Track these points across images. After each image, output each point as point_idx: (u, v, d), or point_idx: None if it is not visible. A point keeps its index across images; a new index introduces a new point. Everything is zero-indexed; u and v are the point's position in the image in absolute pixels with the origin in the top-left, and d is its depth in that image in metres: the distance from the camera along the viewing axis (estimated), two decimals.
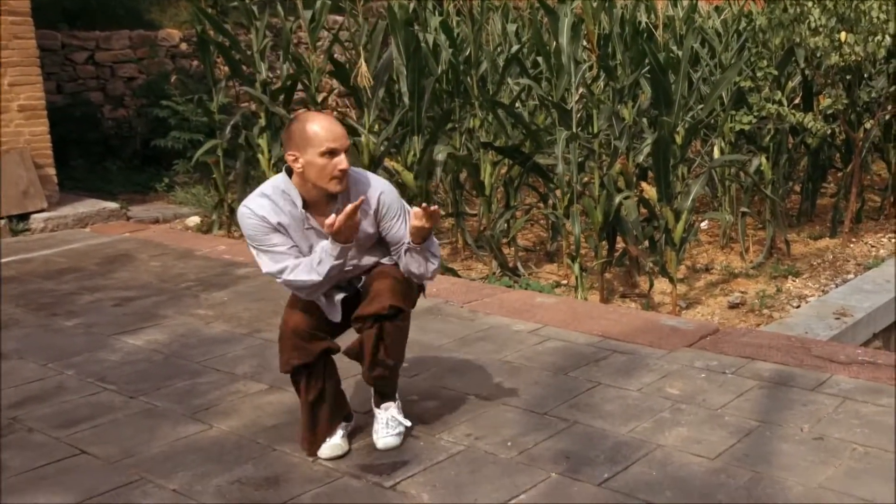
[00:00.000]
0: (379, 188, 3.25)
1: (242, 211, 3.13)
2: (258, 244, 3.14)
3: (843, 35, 6.80)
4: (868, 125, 7.50)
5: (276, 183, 3.17)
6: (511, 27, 8.13)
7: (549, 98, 6.20)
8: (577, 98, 6.09)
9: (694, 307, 6.09)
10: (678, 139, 6.15)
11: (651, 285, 6.20)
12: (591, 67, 6.38)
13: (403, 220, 3.26)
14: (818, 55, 7.16)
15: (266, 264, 3.17)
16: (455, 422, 3.58)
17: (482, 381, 4.00)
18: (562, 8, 6.07)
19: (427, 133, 6.79)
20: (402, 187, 6.85)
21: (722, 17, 8.35)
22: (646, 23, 7.16)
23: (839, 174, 8.56)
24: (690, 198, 5.99)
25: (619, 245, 6.38)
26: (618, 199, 5.91)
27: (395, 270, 3.27)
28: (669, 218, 5.90)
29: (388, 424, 3.37)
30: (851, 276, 6.69)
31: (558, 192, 6.26)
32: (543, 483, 3.04)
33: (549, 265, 6.85)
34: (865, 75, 7.71)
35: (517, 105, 7.45)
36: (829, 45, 6.88)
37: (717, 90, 6.45)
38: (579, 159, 6.06)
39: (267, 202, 3.12)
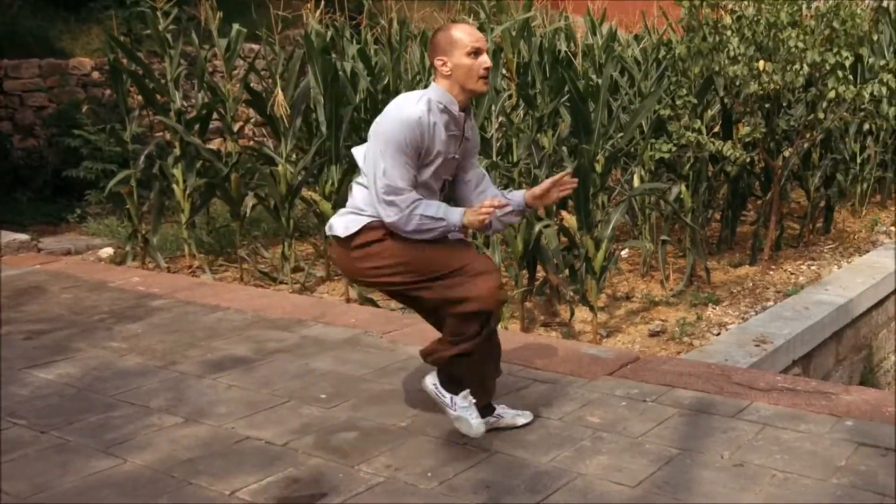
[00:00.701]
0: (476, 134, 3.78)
1: (413, 111, 3.32)
2: (397, 150, 3.33)
3: (761, 64, 6.92)
4: (787, 153, 7.61)
5: (429, 92, 3.43)
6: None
7: None
8: (496, 127, 6.18)
9: (615, 335, 6.15)
10: (598, 168, 6.22)
11: (572, 314, 6.24)
12: (510, 96, 6.46)
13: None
14: (737, 84, 7.28)
15: (396, 181, 3.35)
16: (374, 452, 3.60)
17: (402, 412, 4.03)
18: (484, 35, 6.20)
19: (345, 162, 6.80)
20: (320, 217, 6.87)
21: (641, 46, 8.51)
22: (565, 51, 7.29)
23: (759, 202, 8.66)
24: (610, 226, 6.05)
25: (540, 274, 6.43)
26: (538, 227, 5.97)
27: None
28: (590, 246, 5.96)
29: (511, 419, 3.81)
30: (771, 303, 6.81)
31: None
32: None
33: None
34: (784, 104, 7.84)
35: None
36: (747, 73, 7.00)
37: (636, 118, 6.57)
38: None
39: (424, 107, 3.35)
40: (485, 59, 3.36)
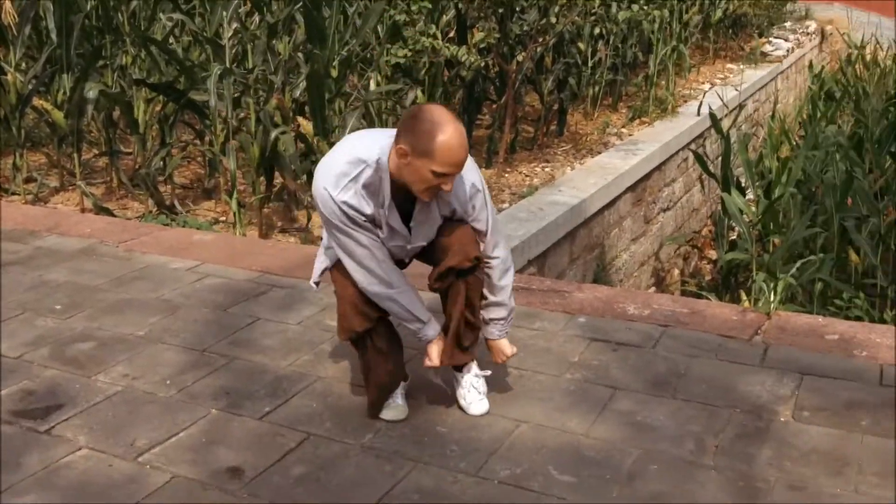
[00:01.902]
0: (469, 194, 3.09)
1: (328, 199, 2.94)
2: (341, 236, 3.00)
3: None
4: (520, 58, 7.84)
5: (376, 163, 2.92)
6: None
7: (203, 33, 6.26)
8: (230, 33, 6.18)
9: None
10: (333, 73, 6.36)
11: (309, 219, 6.33)
12: (244, 2, 6.44)
13: (486, 210, 3.16)
14: None
15: (367, 276, 3.04)
16: (111, 362, 3.69)
17: (139, 321, 4.11)
18: None
19: (77, 71, 6.66)
20: (52, 126, 6.71)
21: None
22: None
23: (494, 106, 8.83)
24: (347, 131, 6.15)
25: (278, 180, 6.53)
26: (274, 133, 6.04)
27: (462, 224, 3.13)
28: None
29: (474, 387, 3.32)
30: (506, 205, 7.01)
31: (214, 129, 6.32)
32: (204, 419, 3.21)
33: (207, 202, 6.89)
34: (517, 8, 7.99)
35: (170, 41, 7.37)
36: None
37: (367, 23, 6.72)
38: (234, 95, 6.17)
39: (360, 188, 2.93)
40: (447, 183, 2.87)
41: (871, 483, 2.79)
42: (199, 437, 3.11)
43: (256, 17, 6.71)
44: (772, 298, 4.76)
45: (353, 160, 2.91)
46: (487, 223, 3.12)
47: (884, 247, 7.12)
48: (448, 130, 2.78)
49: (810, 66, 14.49)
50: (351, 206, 2.90)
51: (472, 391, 3.28)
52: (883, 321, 6.14)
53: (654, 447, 3.01)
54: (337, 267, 3.13)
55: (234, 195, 6.08)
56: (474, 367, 3.31)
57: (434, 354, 3.15)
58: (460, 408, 3.27)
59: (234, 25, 6.29)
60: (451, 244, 3.07)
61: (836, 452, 2.96)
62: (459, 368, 3.30)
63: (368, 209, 2.93)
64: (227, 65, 6.10)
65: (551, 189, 7.16)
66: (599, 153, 8.41)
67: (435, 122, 2.78)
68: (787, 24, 15.88)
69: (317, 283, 3.35)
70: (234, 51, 6.29)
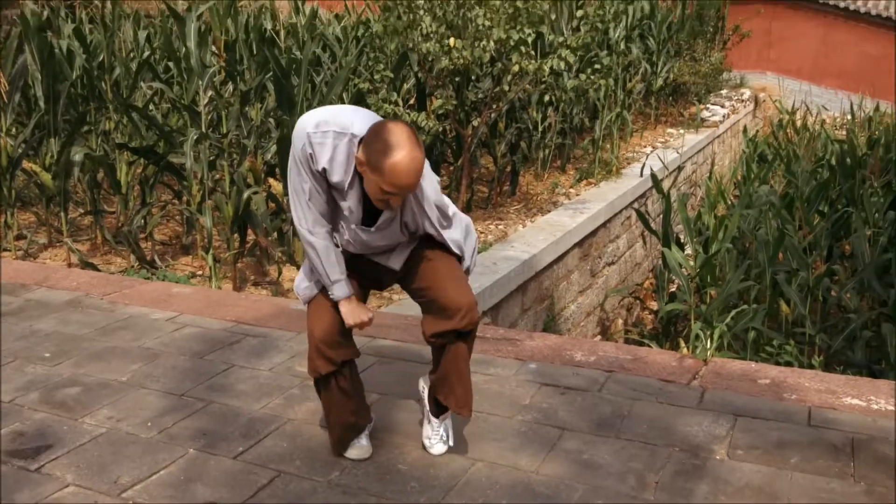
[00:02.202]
0: (428, 195, 3.04)
1: (304, 131, 2.86)
2: (298, 177, 2.95)
3: (451, 41, 7.11)
4: (476, 123, 7.77)
5: (354, 131, 2.86)
6: (142, 34, 8.19)
7: (181, 101, 6.32)
8: (206, 100, 6.23)
9: None
10: None
11: (280, 273, 6.40)
12: (219, 71, 6.50)
13: (455, 221, 3.19)
14: (430, 59, 7.43)
15: (298, 212, 3.01)
16: (97, 406, 3.74)
17: (122, 367, 4.16)
18: (189, 15, 6.20)
19: (64, 135, 6.75)
20: (41, 187, 6.77)
21: (342, 24, 8.61)
22: (270, 30, 7.33)
23: (451, 168, 8.85)
24: None
25: (250, 237, 6.54)
26: (247, 193, 6.08)
27: (455, 264, 3.17)
28: None
29: (444, 434, 3.36)
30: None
31: (191, 189, 6.36)
32: (182, 458, 3.26)
33: (185, 257, 6.92)
34: (473, 77, 8.03)
35: (150, 108, 7.51)
36: (439, 50, 7.16)
37: (332, 90, 6.78)
38: (210, 158, 6.24)
39: (330, 142, 2.86)
40: (396, 200, 2.84)
41: None
42: (178, 474, 3.16)
43: (230, 86, 6.78)
44: (708, 346, 4.76)
45: (343, 123, 2.86)
46: (459, 230, 3.18)
47: (812, 298, 7.15)
48: (399, 154, 2.71)
49: (745, 130, 14.56)
50: (314, 154, 2.86)
51: (438, 437, 3.34)
52: (811, 366, 6.22)
53: (600, 483, 3.08)
54: (311, 304, 3.14)
55: (210, 251, 6.12)
56: (449, 418, 3.37)
57: (344, 312, 3.08)
58: (423, 446, 3.33)
59: (210, 93, 6.34)
60: (458, 304, 3.04)
61: (767, 488, 3.04)
62: (438, 414, 3.33)
63: (335, 176, 2.90)
64: (203, 130, 6.16)
65: (504, 245, 7.14)
66: (549, 212, 8.37)
67: (390, 144, 2.72)
68: (724, 92, 16.01)
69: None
70: (209, 117, 6.33)
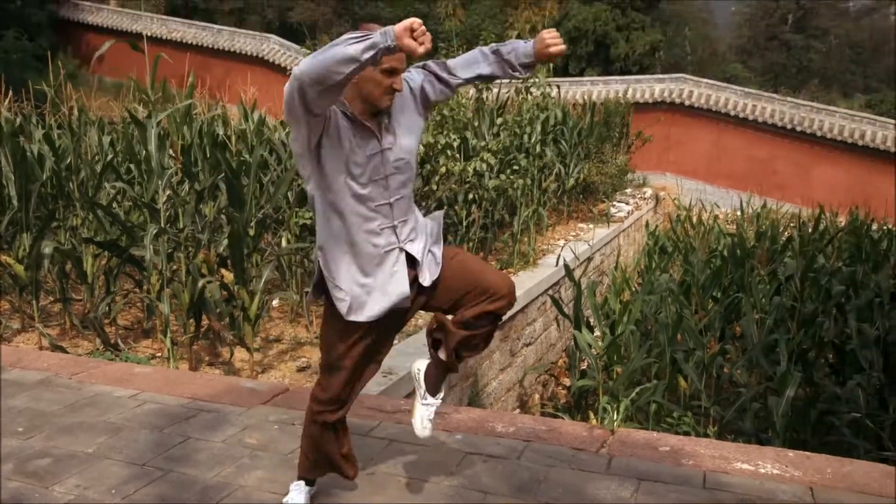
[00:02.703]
0: (416, 80, 3.00)
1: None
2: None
3: None
4: None
5: None
6: (106, 138, 8.25)
7: (141, 199, 6.36)
8: (164, 199, 6.28)
9: (268, 371, 6.33)
10: (251, 232, 6.48)
11: (231, 354, 6.43)
12: (176, 172, 6.59)
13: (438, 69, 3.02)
14: None
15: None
16: (66, 475, 3.76)
17: (89, 440, 4.16)
18: (149, 121, 6.27)
19: (35, 230, 6.83)
20: (14, 278, 6.82)
21: (287, 130, 8.44)
22: (222, 135, 7.43)
23: None
24: (263, 281, 6.31)
25: (205, 322, 6.52)
26: (201, 283, 6.12)
27: (474, 256, 3.07)
28: (245, 298, 6.21)
29: (430, 416, 3.30)
30: (396, 342, 6.91)
31: (151, 279, 6.40)
32: None
33: (145, 340, 6.93)
34: None
35: (114, 205, 7.56)
36: None
37: (279, 190, 6.91)
38: (168, 250, 6.27)
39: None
40: (398, 80, 2.80)
41: None
42: None
43: (186, 185, 6.86)
44: (615, 417, 4.82)
45: None
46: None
47: (707, 374, 7.31)
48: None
49: (647, 225, 14.74)
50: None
51: (428, 419, 3.29)
52: (706, 435, 6.37)
53: None
54: (336, 348, 3.07)
55: (168, 334, 6.16)
56: (441, 395, 3.33)
57: (399, 31, 2.56)
58: (413, 426, 3.31)
59: (168, 192, 6.41)
60: (500, 286, 3.02)
61: None
62: (435, 392, 3.28)
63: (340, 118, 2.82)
64: (162, 225, 6.22)
65: None
66: None
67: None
68: (628, 191, 15.95)
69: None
70: (167, 213, 6.36)
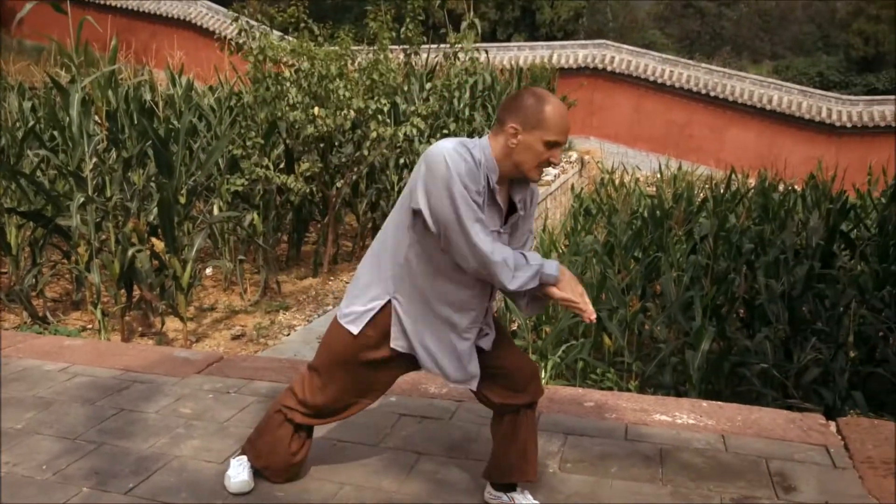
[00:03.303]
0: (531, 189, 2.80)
1: (447, 164, 2.51)
2: (462, 208, 2.54)
3: (316, 110, 7.19)
4: (339, 184, 7.94)
5: (481, 145, 2.62)
6: (27, 104, 7.95)
7: (66, 167, 6.18)
8: (91, 167, 6.12)
9: (203, 340, 6.25)
10: (182, 200, 6.36)
11: (164, 324, 6.32)
12: (102, 139, 6.38)
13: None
14: (296, 127, 7.52)
15: (479, 236, 2.56)
16: None
17: (18, 416, 4.02)
18: (72, 87, 6.07)
19: None
20: None
21: (216, 96, 8.54)
22: (149, 101, 7.24)
23: (319, 225, 8.88)
24: (195, 249, 6.21)
25: (136, 292, 6.44)
26: (131, 252, 6.01)
27: (504, 328, 2.91)
28: (177, 267, 6.10)
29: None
30: (330, 307, 7.10)
31: (79, 249, 6.23)
32: (76, 497, 3.19)
33: (75, 312, 6.74)
34: (336, 143, 8.14)
35: (38, 174, 7.28)
36: (305, 118, 7.24)
37: (211, 158, 6.78)
38: (96, 220, 6.11)
39: (466, 165, 2.54)
40: (557, 153, 2.61)
41: None
42: None
43: (113, 153, 6.66)
44: (543, 375, 4.99)
45: (459, 142, 2.60)
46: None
47: (629, 331, 7.41)
48: (553, 101, 2.56)
49: (572, 188, 14.89)
50: (468, 177, 2.54)
51: None
52: (628, 390, 6.52)
53: (452, 499, 3.17)
54: (337, 360, 2.94)
55: (99, 306, 6.01)
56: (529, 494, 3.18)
57: (560, 294, 2.64)
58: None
59: (94, 160, 6.23)
60: (529, 374, 2.94)
61: (592, 494, 3.20)
62: (511, 489, 3.12)
63: (475, 184, 2.56)
64: (89, 194, 6.05)
65: None
66: None
67: (539, 97, 2.57)
68: None
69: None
70: (94, 182, 6.21)
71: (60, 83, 6.28)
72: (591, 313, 2.66)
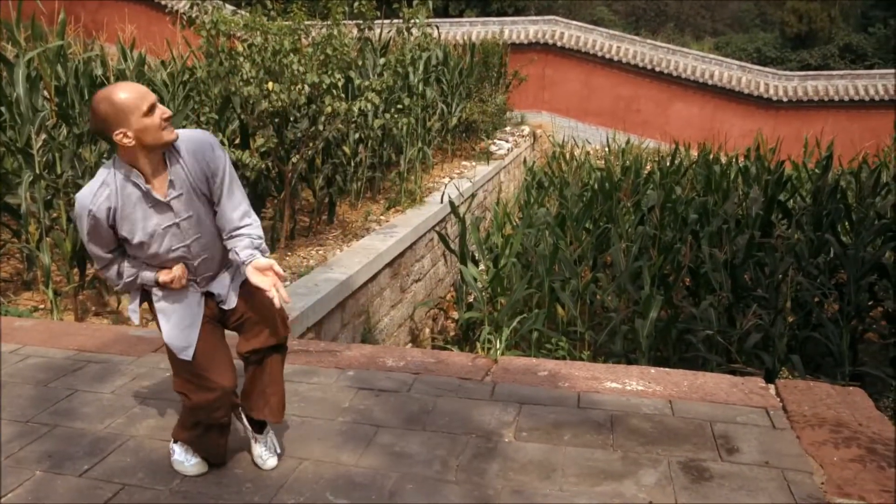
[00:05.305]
0: (202, 144, 2.86)
1: (80, 203, 2.78)
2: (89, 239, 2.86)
3: (270, 85, 7.01)
4: (295, 160, 7.73)
5: (113, 168, 2.77)
6: None
7: (14, 144, 5.95)
8: (40, 143, 5.92)
9: None
10: None
11: (119, 303, 6.17)
12: (51, 115, 6.16)
13: (230, 192, 2.90)
14: (251, 102, 7.30)
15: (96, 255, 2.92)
16: None
17: None
18: (18, 61, 5.85)
19: None
20: None
21: (168, 71, 8.24)
22: (100, 76, 7.00)
23: (275, 200, 8.70)
24: None
25: (90, 271, 6.28)
26: None
27: (268, 302, 2.89)
28: None
29: (268, 447, 3.25)
30: (288, 283, 6.84)
31: (30, 228, 6.02)
32: (30, 481, 3.11)
33: (26, 293, 6.48)
34: (291, 118, 7.90)
35: None
36: (259, 93, 7.05)
37: None
38: (46, 198, 5.92)
39: (106, 190, 2.75)
40: (163, 109, 2.74)
41: (571, 482, 3.07)
42: (25, 496, 3.01)
43: (64, 129, 6.40)
44: (498, 346, 4.93)
45: (99, 178, 2.81)
46: (242, 198, 2.96)
47: (581, 301, 7.49)
48: (112, 88, 2.71)
49: (525, 161, 14.93)
50: (97, 212, 2.77)
51: (269, 452, 3.25)
52: (581, 359, 6.60)
53: (410, 470, 3.17)
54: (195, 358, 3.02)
55: (51, 285, 5.82)
56: (271, 432, 3.30)
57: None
58: (254, 463, 3.25)
59: (43, 136, 6.01)
60: (261, 324, 3.02)
61: (546, 462, 3.22)
62: (260, 429, 3.24)
63: (110, 203, 2.77)
64: (38, 171, 5.84)
65: (324, 268, 7.10)
66: (363, 237, 8.36)
67: (104, 98, 2.69)
68: (507, 129, 16.20)
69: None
70: (44, 159, 5.99)
71: (6, 57, 6.04)
72: (281, 299, 2.81)
